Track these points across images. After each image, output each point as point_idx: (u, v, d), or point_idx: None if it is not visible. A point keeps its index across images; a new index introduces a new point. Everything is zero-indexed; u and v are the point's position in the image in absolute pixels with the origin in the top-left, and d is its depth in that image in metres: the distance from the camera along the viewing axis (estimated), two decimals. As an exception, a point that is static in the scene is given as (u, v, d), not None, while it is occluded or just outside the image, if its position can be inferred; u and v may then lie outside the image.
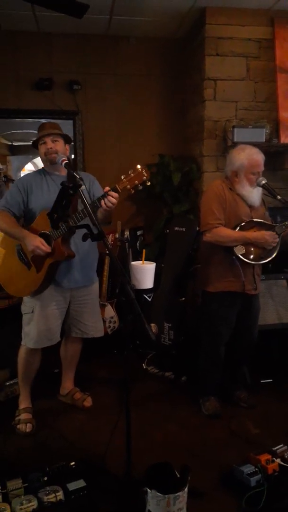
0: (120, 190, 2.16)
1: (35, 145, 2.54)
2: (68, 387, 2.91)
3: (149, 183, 2.19)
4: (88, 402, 2.84)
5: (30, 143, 2.68)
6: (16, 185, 2.55)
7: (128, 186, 2.13)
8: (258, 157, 2.55)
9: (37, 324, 2.51)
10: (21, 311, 2.62)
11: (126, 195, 4.05)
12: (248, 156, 2.54)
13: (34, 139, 2.55)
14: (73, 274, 2.54)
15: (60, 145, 2.51)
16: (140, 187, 2.17)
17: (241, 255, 2.52)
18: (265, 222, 2.63)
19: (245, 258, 2.53)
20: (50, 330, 2.55)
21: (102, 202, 2.17)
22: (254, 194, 2.59)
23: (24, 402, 2.69)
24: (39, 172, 2.62)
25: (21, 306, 2.62)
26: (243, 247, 2.53)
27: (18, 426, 2.56)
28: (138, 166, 2.14)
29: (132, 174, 2.13)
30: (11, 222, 2.44)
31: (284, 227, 2.55)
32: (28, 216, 2.51)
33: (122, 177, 2.15)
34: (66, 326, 2.71)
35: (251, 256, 2.55)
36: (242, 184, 2.58)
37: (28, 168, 8.18)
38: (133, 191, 2.15)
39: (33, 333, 2.52)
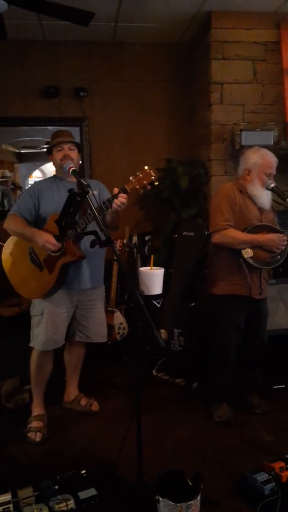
0: (129, 191, 2.17)
1: (50, 151, 2.58)
2: (73, 393, 2.90)
3: (157, 183, 2.20)
4: (95, 406, 2.84)
5: (37, 151, 2.70)
6: (28, 191, 2.62)
7: (137, 186, 2.14)
8: (272, 158, 2.59)
9: (46, 326, 2.53)
10: (30, 315, 2.63)
11: (134, 200, 4.11)
12: (262, 155, 2.58)
13: (49, 145, 2.58)
14: (83, 276, 2.56)
15: (75, 154, 2.56)
16: (149, 187, 2.18)
17: (249, 258, 2.51)
18: (274, 226, 2.62)
19: (252, 261, 2.52)
20: (57, 333, 2.57)
21: (113, 203, 2.19)
22: (265, 196, 2.59)
23: (37, 409, 2.68)
24: (50, 179, 2.69)
25: (31, 308, 2.65)
26: (251, 251, 2.52)
27: (28, 435, 2.55)
28: (146, 167, 2.15)
29: (141, 175, 2.13)
30: (21, 223, 2.49)
31: None
32: (39, 220, 2.54)
33: (131, 178, 2.16)
34: (71, 330, 2.72)
35: (259, 260, 2.54)
36: (253, 183, 2.58)
37: (36, 175, 8.21)
38: (141, 191, 2.16)
39: (42, 336, 2.54)
